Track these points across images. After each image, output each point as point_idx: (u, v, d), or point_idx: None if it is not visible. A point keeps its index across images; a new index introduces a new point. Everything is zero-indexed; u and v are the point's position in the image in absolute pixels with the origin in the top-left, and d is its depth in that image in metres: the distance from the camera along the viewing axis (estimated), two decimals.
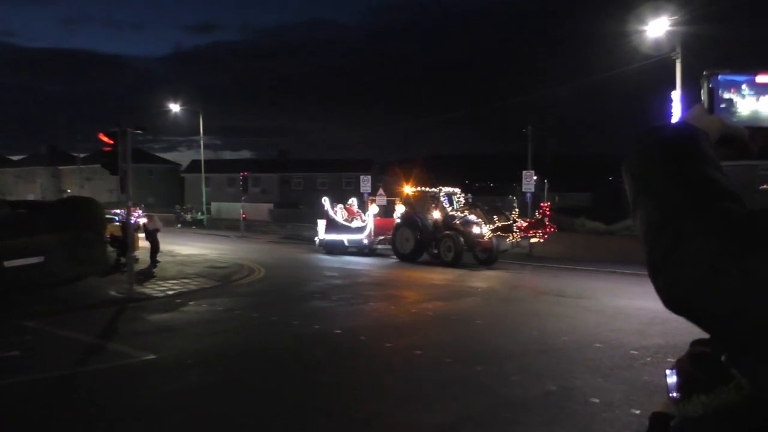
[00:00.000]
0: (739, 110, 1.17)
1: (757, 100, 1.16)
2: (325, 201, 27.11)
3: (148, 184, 58.96)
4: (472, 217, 22.00)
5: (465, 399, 7.35)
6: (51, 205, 20.23)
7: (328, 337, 10.41)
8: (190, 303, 13.81)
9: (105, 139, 13.72)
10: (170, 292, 14.90)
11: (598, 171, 63.14)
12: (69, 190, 58.12)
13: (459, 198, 24.20)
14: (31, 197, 47.38)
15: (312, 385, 7.85)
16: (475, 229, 21.34)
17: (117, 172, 13.79)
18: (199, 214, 46.38)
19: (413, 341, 10.26)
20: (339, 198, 30.30)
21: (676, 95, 20.63)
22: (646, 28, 19.89)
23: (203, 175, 49.05)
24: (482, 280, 18.24)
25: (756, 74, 1.17)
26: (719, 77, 1.17)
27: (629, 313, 12.60)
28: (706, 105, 1.17)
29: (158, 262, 19.95)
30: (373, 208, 26.08)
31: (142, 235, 20.60)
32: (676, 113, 20.69)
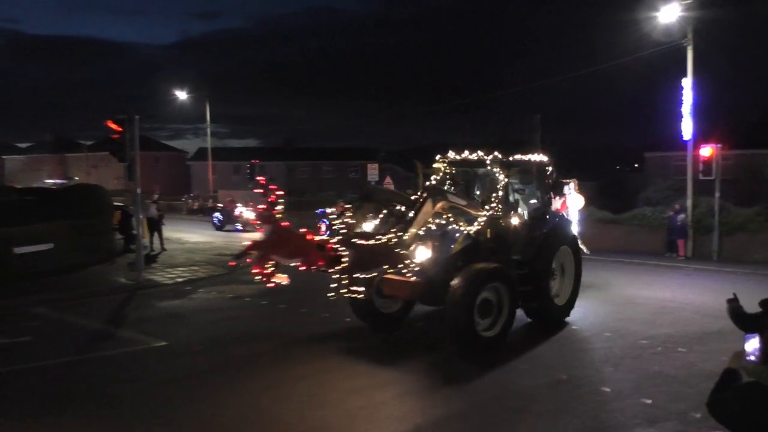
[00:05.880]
0: None
1: None
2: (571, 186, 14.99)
3: (155, 172, 59.02)
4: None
5: (474, 388, 7.34)
6: (59, 192, 20.32)
7: (338, 326, 10.40)
8: (200, 290, 13.85)
9: (113, 126, 13.67)
10: (179, 280, 14.93)
11: (605, 160, 62.90)
12: (77, 178, 58.28)
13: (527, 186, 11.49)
14: (50, 183, 47.28)
15: (320, 375, 7.85)
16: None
17: (125, 159, 13.77)
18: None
19: (421, 329, 10.26)
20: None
21: (687, 83, 20.42)
22: (657, 14, 19.62)
23: (210, 162, 49.04)
24: None
25: None
26: None
27: (638, 302, 12.55)
28: None
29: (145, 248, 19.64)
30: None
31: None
32: (687, 101, 20.51)
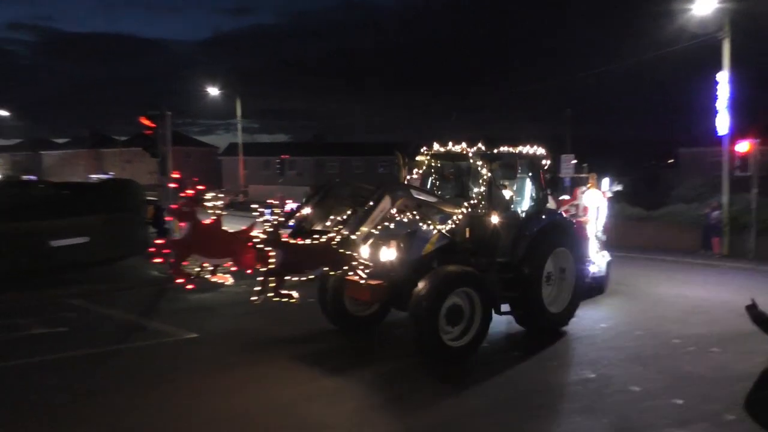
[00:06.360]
0: None
1: None
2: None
3: (186, 167, 59.83)
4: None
5: (500, 384, 7.31)
6: (94, 186, 20.80)
7: None
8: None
9: (146, 122, 13.97)
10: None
11: (638, 155, 61.69)
12: (112, 172, 59.57)
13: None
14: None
15: (344, 369, 7.90)
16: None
17: (157, 154, 14.06)
18: None
19: None
20: None
21: (722, 77, 19.90)
22: (691, 6, 19.15)
23: (240, 157, 49.65)
24: None
25: None
26: None
27: (671, 301, 12.32)
28: None
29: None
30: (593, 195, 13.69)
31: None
32: (723, 96, 19.99)
